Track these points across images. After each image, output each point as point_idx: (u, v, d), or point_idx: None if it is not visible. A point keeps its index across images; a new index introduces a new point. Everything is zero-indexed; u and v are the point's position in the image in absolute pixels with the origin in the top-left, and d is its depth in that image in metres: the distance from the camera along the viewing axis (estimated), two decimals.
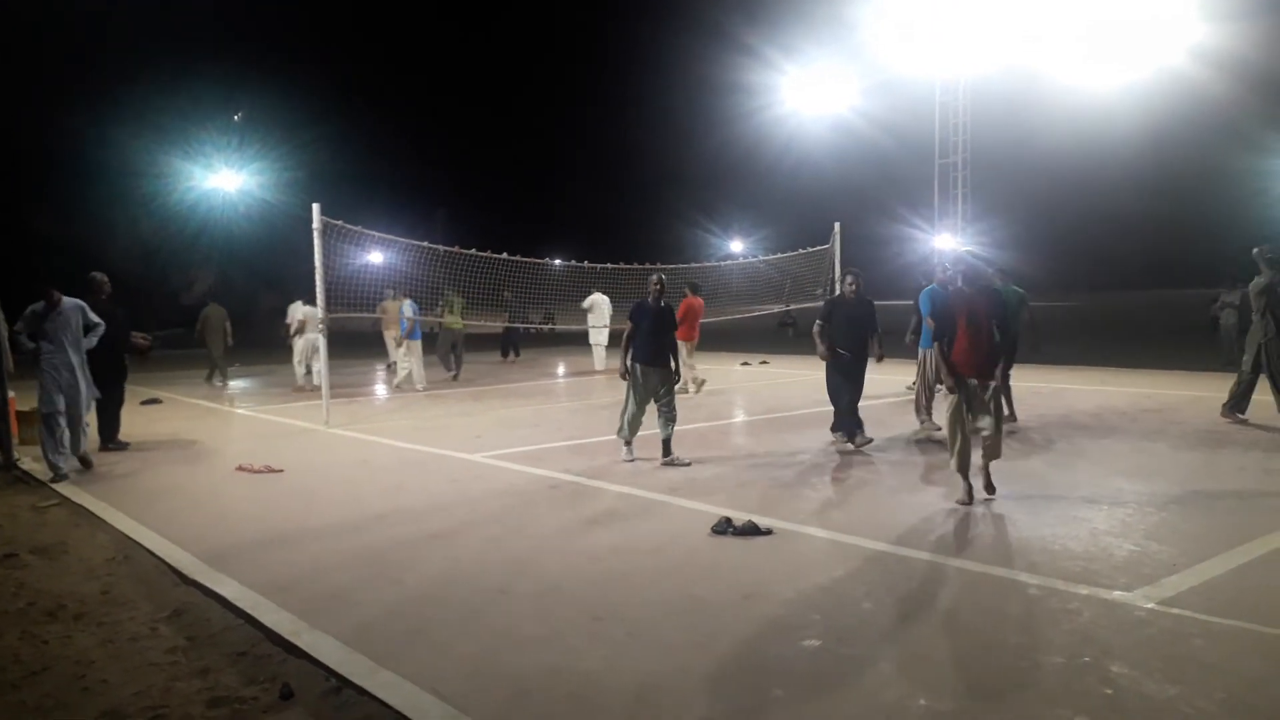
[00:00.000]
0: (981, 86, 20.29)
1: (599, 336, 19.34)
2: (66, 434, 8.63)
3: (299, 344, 16.36)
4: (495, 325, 20.05)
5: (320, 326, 11.95)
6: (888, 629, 4.32)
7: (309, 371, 16.33)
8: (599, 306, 18.88)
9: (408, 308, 15.80)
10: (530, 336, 27.25)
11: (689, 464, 8.36)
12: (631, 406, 8.62)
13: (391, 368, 18.03)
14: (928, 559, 5.37)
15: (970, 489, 6.66)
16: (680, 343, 13.05)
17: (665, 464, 8.38)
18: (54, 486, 8.25)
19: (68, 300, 8.83)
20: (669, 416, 8.58)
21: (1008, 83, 20.64)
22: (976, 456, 6.78)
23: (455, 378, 17.75)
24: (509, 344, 22.90)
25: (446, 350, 18.05)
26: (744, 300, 19.59)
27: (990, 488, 6.78)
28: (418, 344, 16.19)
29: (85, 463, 8.94)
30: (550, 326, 25.47)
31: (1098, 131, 46.73)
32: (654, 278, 8.77)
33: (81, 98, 36.54)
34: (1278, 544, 5.49)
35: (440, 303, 16.84)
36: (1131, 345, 21.51)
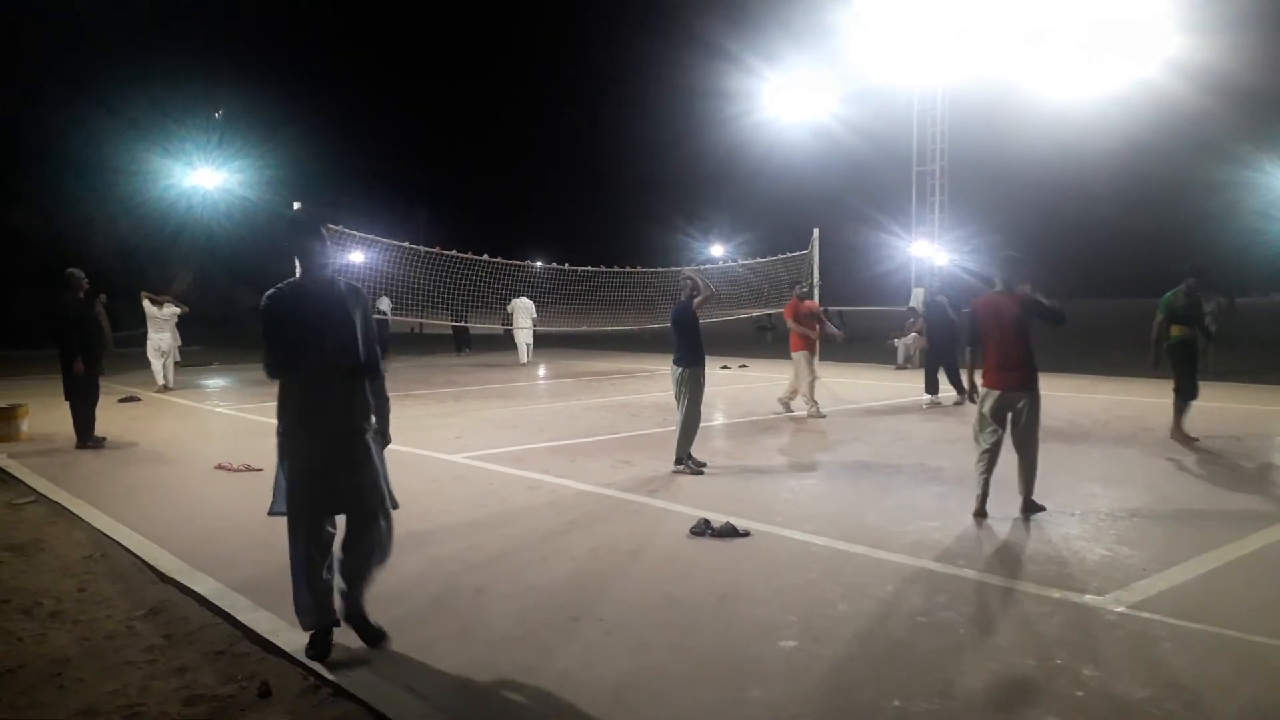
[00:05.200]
0: (959, 96, 20.48)
1: (523, 336, 21.99)
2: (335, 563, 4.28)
3: (154, 342, 16.41)
4: (444, 323, 21.48)
5: None
6: (863, 630, 4.37)
7: (164, 371, 16.52)
8: (520, 309, 21.31)
9: None
10: (505, 337, 28.25)
11: (703, 467, 8.26)
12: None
13: None
14: (902, 562, 5.43)
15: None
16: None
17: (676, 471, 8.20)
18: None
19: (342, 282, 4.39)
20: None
21: (985, 92, 20.85)
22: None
23: None
24: (461, 340, 26.28)
25: None
26: (723, 304, 19.70)
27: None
28: None
29: (372, 634, 4.26)
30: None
31: (1074, 142, 47.11)
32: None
33: (58, 92, 36.16)
34: (1246, 550, 5.60)
35: None
36: (1105, 353, 21.73)
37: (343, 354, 4.16)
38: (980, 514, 6.42)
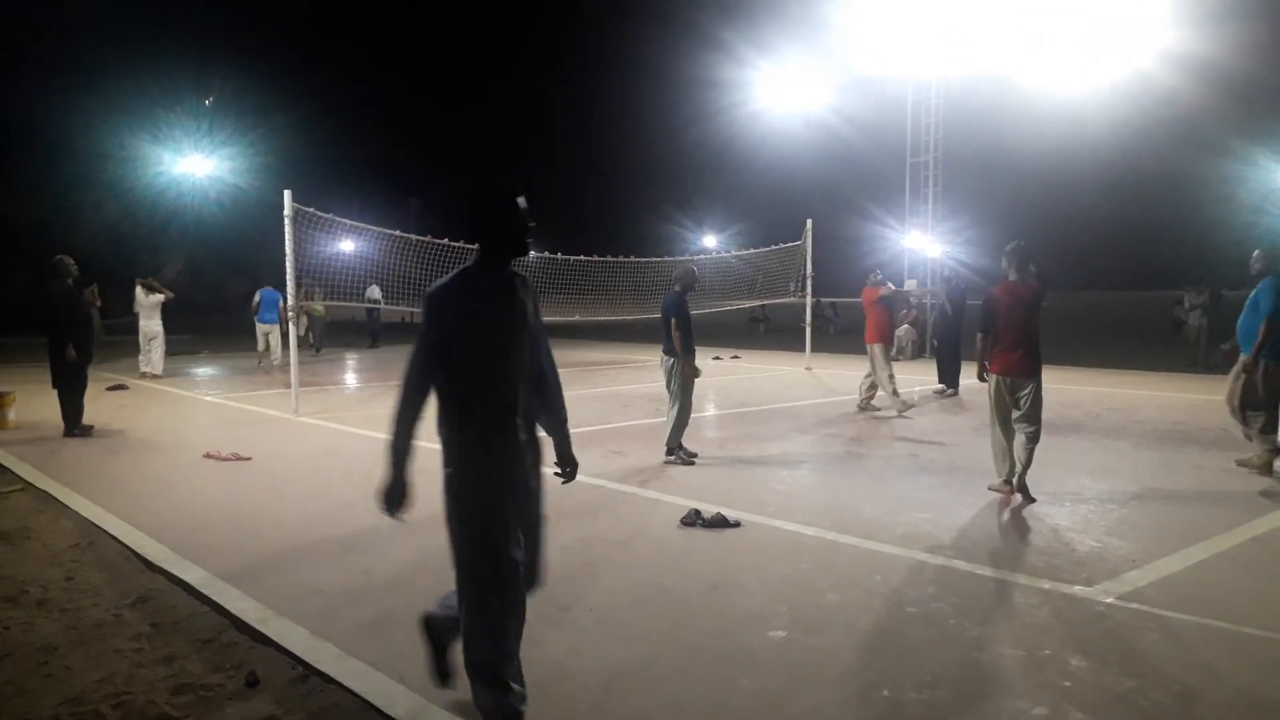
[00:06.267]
0: (953, 87, 20.41)
1: None
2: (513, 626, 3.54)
3: (143, 329, 16.42)
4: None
5: (291, 315, 11.90)
6: (852, 620, 4.37)
7: (149, 358, 16.49)
8: None
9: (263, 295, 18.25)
10: None
11: (695, 457, 8.29)
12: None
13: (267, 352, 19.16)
14: (893, 553, 5.43)
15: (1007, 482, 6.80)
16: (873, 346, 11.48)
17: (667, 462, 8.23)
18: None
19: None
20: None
21: (980, 84, 20.78)
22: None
23: (318, 351, 21.65)
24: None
25: (320, 332, 22.07)
26: (716, 295, 19.69)
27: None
28: (273, 326, 18.25)
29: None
30: None
31: (1067, 134, 47.12)
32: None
33: (45, 76, 35.83)
34: (1235, 541, 5.62)
35: (304, 292, 17.58)
36: (1095, 345, 21.81)
37: (521, 370, 3.37)
38: (1009, 483, 6.72)
